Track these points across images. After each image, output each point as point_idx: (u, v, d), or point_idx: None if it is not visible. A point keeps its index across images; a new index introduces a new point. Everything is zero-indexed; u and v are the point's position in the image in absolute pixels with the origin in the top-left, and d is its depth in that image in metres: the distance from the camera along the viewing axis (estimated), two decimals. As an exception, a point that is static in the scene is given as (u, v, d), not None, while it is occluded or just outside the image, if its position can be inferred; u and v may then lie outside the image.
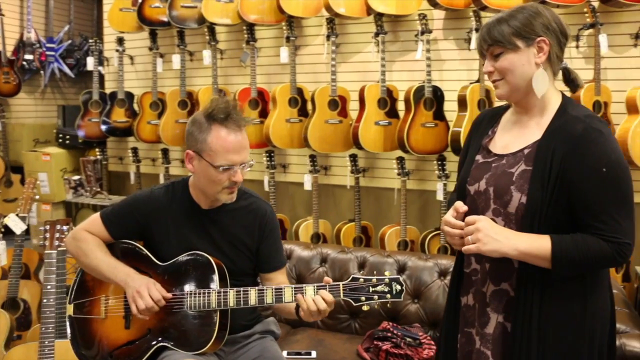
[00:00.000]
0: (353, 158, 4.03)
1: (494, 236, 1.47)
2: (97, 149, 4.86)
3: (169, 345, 1.92)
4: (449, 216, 1.59)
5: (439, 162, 3.81)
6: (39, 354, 2.31)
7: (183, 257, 1.99)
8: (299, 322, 2.80)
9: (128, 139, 4.94)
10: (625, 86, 3.45)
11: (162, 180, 4.67)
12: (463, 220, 1.56)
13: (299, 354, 2.42)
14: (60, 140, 5.02)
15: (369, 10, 3.83)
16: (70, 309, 2.05)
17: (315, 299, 1.80)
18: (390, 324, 2.54)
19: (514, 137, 1.61)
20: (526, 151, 1.54)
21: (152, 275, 1.98)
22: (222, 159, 1.89)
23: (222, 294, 1.90)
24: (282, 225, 4.25)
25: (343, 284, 1.82)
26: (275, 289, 1.88)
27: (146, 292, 1.87)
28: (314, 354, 2.46)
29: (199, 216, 2.05)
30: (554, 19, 1.54)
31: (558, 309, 1.49)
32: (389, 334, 2.43)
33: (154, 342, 1.94)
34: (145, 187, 4.75)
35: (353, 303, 1.81)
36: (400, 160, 3.89)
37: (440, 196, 3.81)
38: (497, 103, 3.65)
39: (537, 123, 1.57)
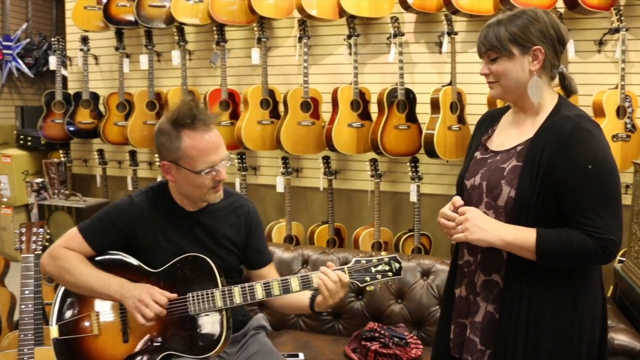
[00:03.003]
0: (326, 160, 4.04)
1: (481, 226, 1.53)
2: (60, 151, 4.71)
3: (175, 353, 1.86)
4: (445, 209, 1.66)
5: (412, 164, 3.86)
6: (18, 362, 2.23)
7: (177, 261, 1.93)
8: (282, 324, 2.80)
9: (93, 140, 4.81)
10: (591, 90, 3.58)
11: (129, 183, 4.57)
12: None
13: (286, 356, 2.40)
14: (21, 142, 4.85)
15: (341, 13, 3.85)
16: (54, 331, 1.93)
17: (338, 273, 1.81)
18: (377, 324, 2.55)
19: (510, 135, 1.67)
20: (519, 148, 1.60)
21: (146, 283, 1.91)
22: (202, 163, 1.84)
23: (226, 292, 1.86)
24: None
25: (347, 267, 1.85)
26: (282, 280, 1.86)
27: (149, 298, 1.81)
28: (301, 355, 2.45)
29: (184, 219, 2.00)
30: (553, 25, 1.58)
31: (546, 302, 1.54)
32: (377, 334, 2.44)
33: (159, 352, 1.87)
34: (115, 191, 4.73)
35: (359, 284, 1.85)
36: (374, 162, 3.93)
37: (413, 198, 3.85)
38: (469, 105, 3.78)
39: (532, 122, 1.63)
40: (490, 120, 1.79)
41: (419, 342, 2.50)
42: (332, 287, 1.80)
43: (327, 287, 1.80)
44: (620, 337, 2.08)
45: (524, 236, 1.50)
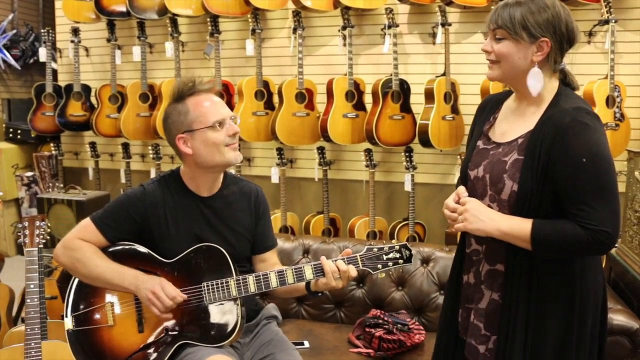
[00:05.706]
0: (321, 150, 4.07)
1: (479, 216, 1.58)
2: (51, 144, 4.67)
3: (190, 342, 1.87)
4: (450, 200, 1.69)
5: (407, 154, 3.91)
6: (25, 356, 2.22)
7: (191, 251, 1.94)
8: (285, 313, 2.82)
9: (84, 133, 4.79)
10: (581, 81, 3.60)
11: (122, 176, 4.55)
12: None
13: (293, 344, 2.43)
14: (11, 135, 4.80)
15: (336, 4, 3.88)
16: (69, 323, 1.93)
17: (338, 263, 1.85)
18: (380, 311, 2.58)
19: (511, 126, 1.68)
20: (520, 141, 1.62)
21: (160, 273, 1.92)
22: (213, 116, 1.89)
23: (241, 281, 1.88)
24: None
25: (360, 255, 1.88)
26: (295, 269, 1.88)
27: (161, 291, 1.82)
28: (306, 344, 2.48)
29: (197, 205, 2.01)
30: (567, 23, 1.57)
31: (546, 290, 1.59)
32: (380, 321, 2.48)
33: (174, 342, 1.88)
34: (108, 184, 4.72)
35: (371, 272, 1.89)
36: (368, 152, 3.96)
37: (407, 187, 3.90)
38: (463, 95, 3.83)
39: (533, 113, 1.63)
40: (491, 106, 1.79)
41: (421, 327, 2.54)
42: (333, 274, 1.84)
43: (327, 274, 1.85)
44: (618, 318, 2.15)
45: (519, 226, 1.54)
